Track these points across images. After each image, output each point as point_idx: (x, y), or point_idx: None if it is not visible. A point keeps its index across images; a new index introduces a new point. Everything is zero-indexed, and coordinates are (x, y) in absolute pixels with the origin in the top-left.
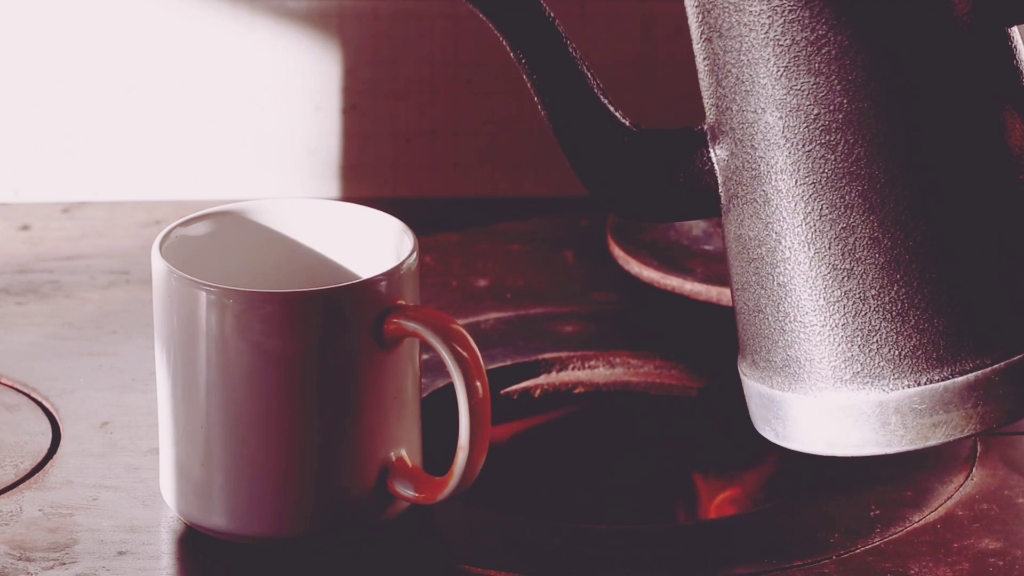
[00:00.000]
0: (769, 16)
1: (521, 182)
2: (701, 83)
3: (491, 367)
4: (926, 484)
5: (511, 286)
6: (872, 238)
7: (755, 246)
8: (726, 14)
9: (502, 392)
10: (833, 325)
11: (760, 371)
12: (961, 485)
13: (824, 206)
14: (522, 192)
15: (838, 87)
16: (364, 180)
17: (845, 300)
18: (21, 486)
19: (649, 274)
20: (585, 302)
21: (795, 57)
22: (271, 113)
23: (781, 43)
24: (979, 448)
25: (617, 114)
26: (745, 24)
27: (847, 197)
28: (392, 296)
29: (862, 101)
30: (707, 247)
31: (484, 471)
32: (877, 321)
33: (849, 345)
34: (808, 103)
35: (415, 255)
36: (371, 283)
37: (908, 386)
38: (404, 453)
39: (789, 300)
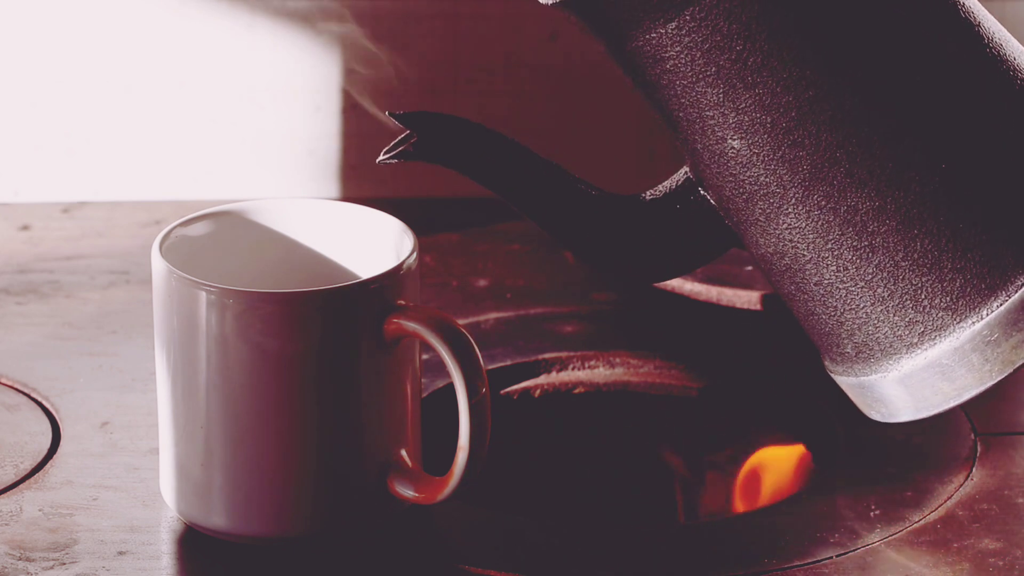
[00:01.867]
0: (687, 54)
1: None
2: (668, 132)
3: (491, 367)
4: (926, 484)
5: (511, 286)
6: (876, 209)
7: (778, 259)
8: (649, 66)
9: (502, 392)
10: (881, 300)
11: (841, 365)
12: (961, 485)
13: (819, 199)
14: None
15: (778, 89)
16: (364, 180)
17: (880, 273)
18: (21, 486)
19: None
20: (585, 302)
21: (727, 80)
22: (271, 113)
23: (708, 73)
24: (979, 448)
25: (603, 193)
26: (669, 71)
27: (836, 182)
28: (392, 296)
29: (805, 91)
30: None
31: (484, 471)
32: (917, 279)
33: (903, 311)
34: (759, 115)
35: (415, 255)
36: (371, 283)
37: (973, 323)
38: (404, 453)
39: (832, 295)
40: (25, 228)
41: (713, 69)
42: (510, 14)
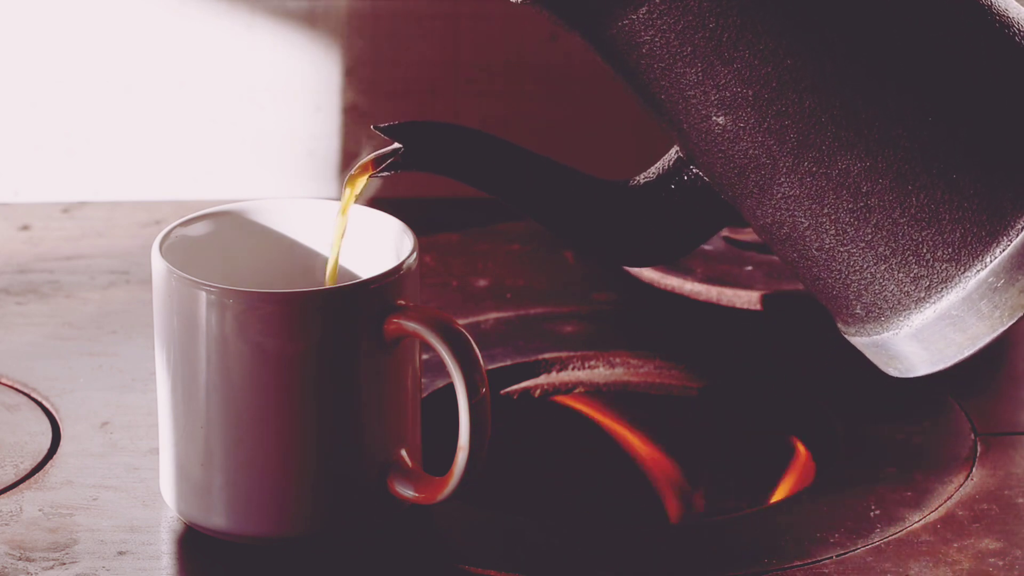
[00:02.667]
0: (661, 37)
1: None
2: (653, 116)
3: (491, 367)
4: (926, 484)
5: (511, 286)
6: (867, 169)
7: (777, 229)
8: (626, 53)
9: (502, 392)
10: (883, 258)
11: (852, 327)
12: (961, 485)
13: (810, 166)
14: None
15: (756, 62)
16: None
17: (879, 232)
18: (21, 486)
19: (649, 274)
20: (585, 302)
21: (704, 59)
22: (271, 113)
23: (684, 54)
24: (979, 448)
25: (595, 180)
26: (645, 55)
27: (824, 146)
28: (392, 296)
29: (783, 60)
30: (707, 247)
31: (484, 471)
32: (917, 234)
33: (907, 267)
34: (740, 89)
35: (415, 255)
36: (371, 283)
37: (978, 271)
38: (404, 453)
39: (835, 259)
40: (25, 228)
41: (689, 49)
42: (510, 14)
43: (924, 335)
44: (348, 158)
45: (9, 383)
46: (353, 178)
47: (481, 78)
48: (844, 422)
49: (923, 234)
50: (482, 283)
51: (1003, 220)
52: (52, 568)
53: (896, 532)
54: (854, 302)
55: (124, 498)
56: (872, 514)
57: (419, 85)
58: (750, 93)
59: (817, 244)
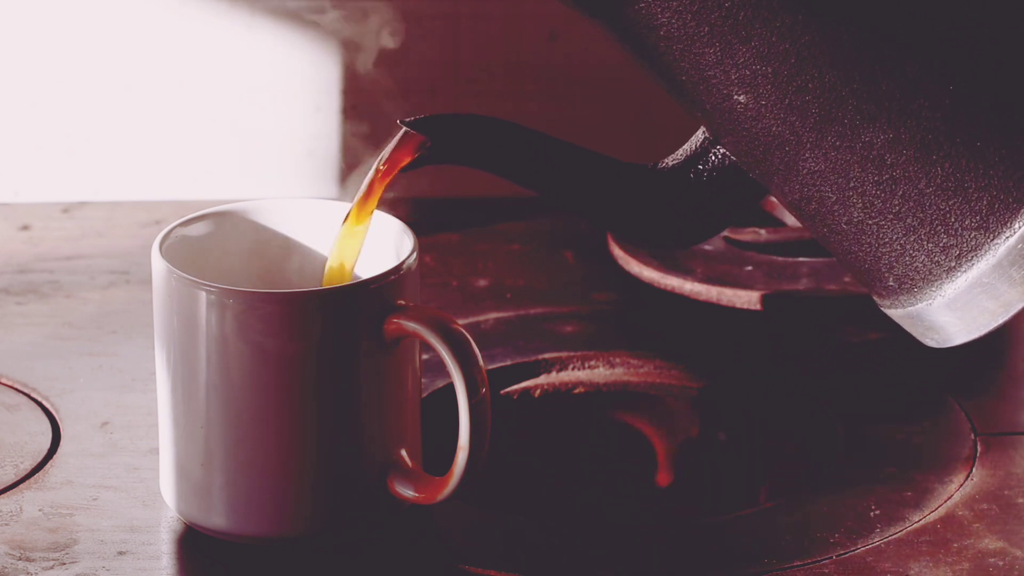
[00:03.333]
0: (678, 18)
1: None
2: (675, 100)
3: (491, 367)
4: (926, 484)
5: (511, 286)
6: (891, 141)
7: (806, 205)
8: (644, 36)
9: (502, 392)
10: (912, 229)
11: (887, 299)
12: (961, 485)
13: (833, 140)
14: (522, 192)
15: (774, 39)
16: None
17: (906, 203)
18: (21, 486)
19: (649, 274)
20: (585, 302)
21: (721, 38)
22: (271, 113)
23: (702, 34)
24: (979, 448)
25: (628, 164)
26: (663, 37)
27: (846, 121)
28: (392, 296)
29: (801, 36)
30: (707, 247)
31: (484, 471)
32: (944, 203)
33: (936, 237)
34: (759, 67)
35: (415, 255)
36: (371, 283)
37: (1008, 238)
38: (404, 453)
39: (864, 232)
40: (25, 228)
41: (706, 28)
42: (510, 14)
43: (957, 304)
44: (348, 158)
45: (9, 383)
46: (373, 189)
47: (481, 78)
48: (844, 422)
49: (950, 203)
50: (482, 283)
51: None
52: (52, 568)
53: (896, 532)
54: (886, 274)
55: (124, 498)
56: (872, 514)
57: (419, 85)
58: (769, 70)
59: (846, 218)
